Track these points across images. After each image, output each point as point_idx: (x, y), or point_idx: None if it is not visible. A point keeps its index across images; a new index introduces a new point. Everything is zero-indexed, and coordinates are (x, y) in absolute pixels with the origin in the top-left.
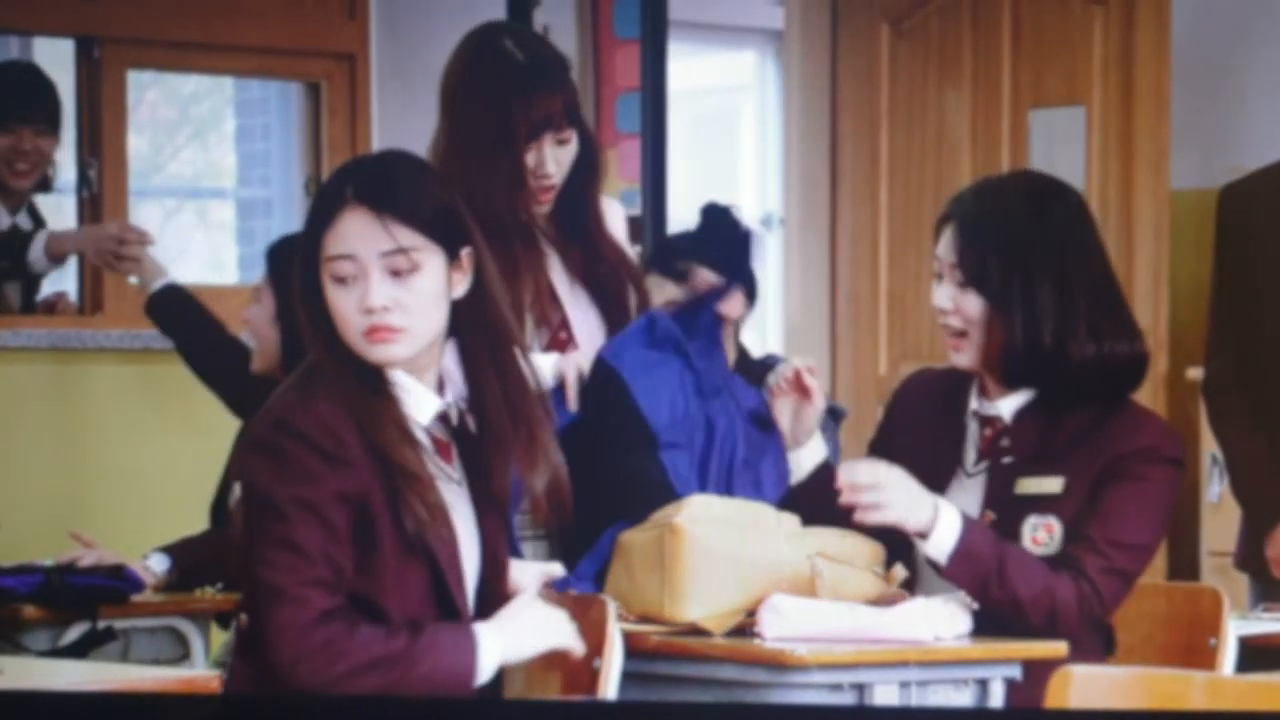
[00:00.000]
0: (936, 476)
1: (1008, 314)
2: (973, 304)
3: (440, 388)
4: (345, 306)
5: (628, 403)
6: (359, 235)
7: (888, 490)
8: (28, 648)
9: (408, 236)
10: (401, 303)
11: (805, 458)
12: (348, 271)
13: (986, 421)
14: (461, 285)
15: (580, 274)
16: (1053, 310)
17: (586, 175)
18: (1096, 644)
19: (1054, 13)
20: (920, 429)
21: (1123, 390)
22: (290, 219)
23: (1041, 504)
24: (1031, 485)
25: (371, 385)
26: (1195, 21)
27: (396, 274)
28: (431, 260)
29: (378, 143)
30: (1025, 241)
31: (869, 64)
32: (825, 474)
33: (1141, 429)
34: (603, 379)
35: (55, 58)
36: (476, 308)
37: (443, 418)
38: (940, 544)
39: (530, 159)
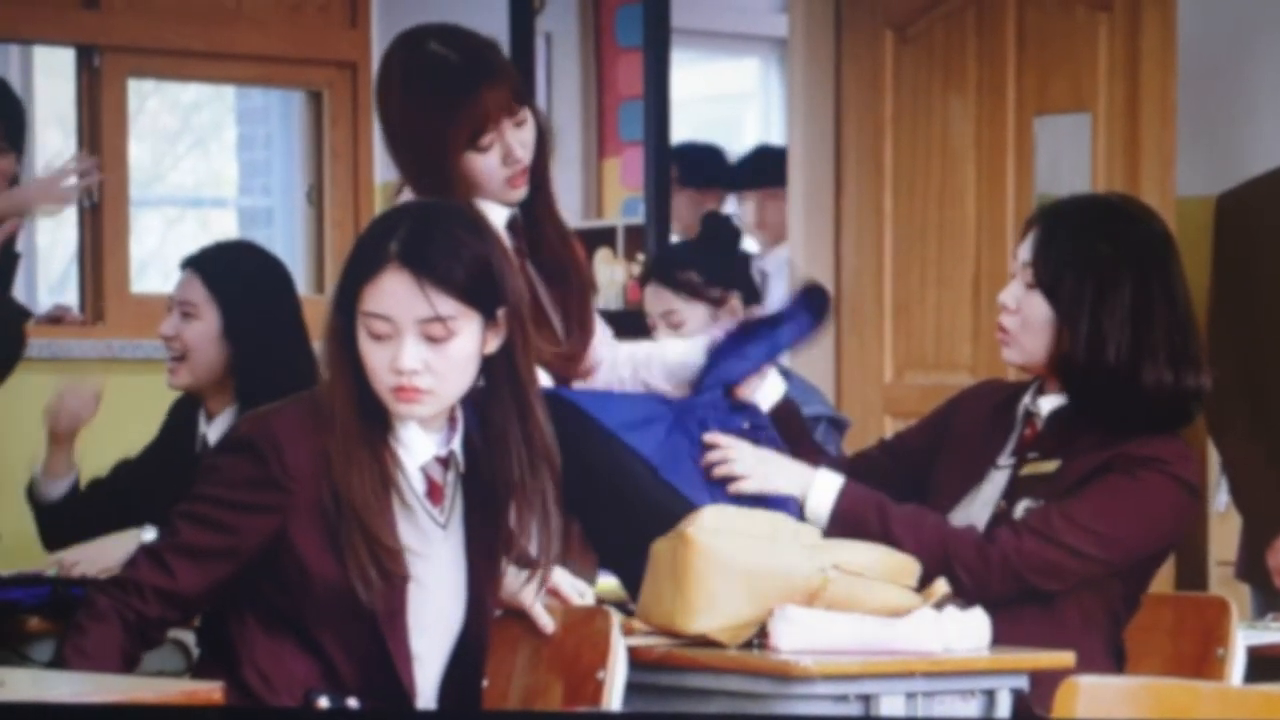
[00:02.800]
0: (971, 471)
1: (1074, 325)
2: (1036, 307)
3: (452, 425)
4: (376, 361)
5: (605, 435)
6: (397, 298)
7: (762, 470)
8: (32, 659)
9: (447, 305)
10: (433, 366)
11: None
12: (382, 330)
13: (1029, 419)
14: (495, 342)
15: (541, 259)
16: (1126, 331)
17: (538, 151)
18: (1106, 659)
19: (1059, 19)
20: (973, 428)
21: (1175, 421)
22: (292, 228)
23: (1036, 486)
24: (1033, 468)
25: (370, 429)
26: (1201, 27)
27: (432, 339)
28: (468, 326)
29: (380, 151)
30: (1104, 256)
31: (873, 71)
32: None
33: (1157, 441)
34: (564, 414)
35: (56, 66)
36: (506, 362)
37: (442, 461)
38: (816, 509)
39: (497, 150)
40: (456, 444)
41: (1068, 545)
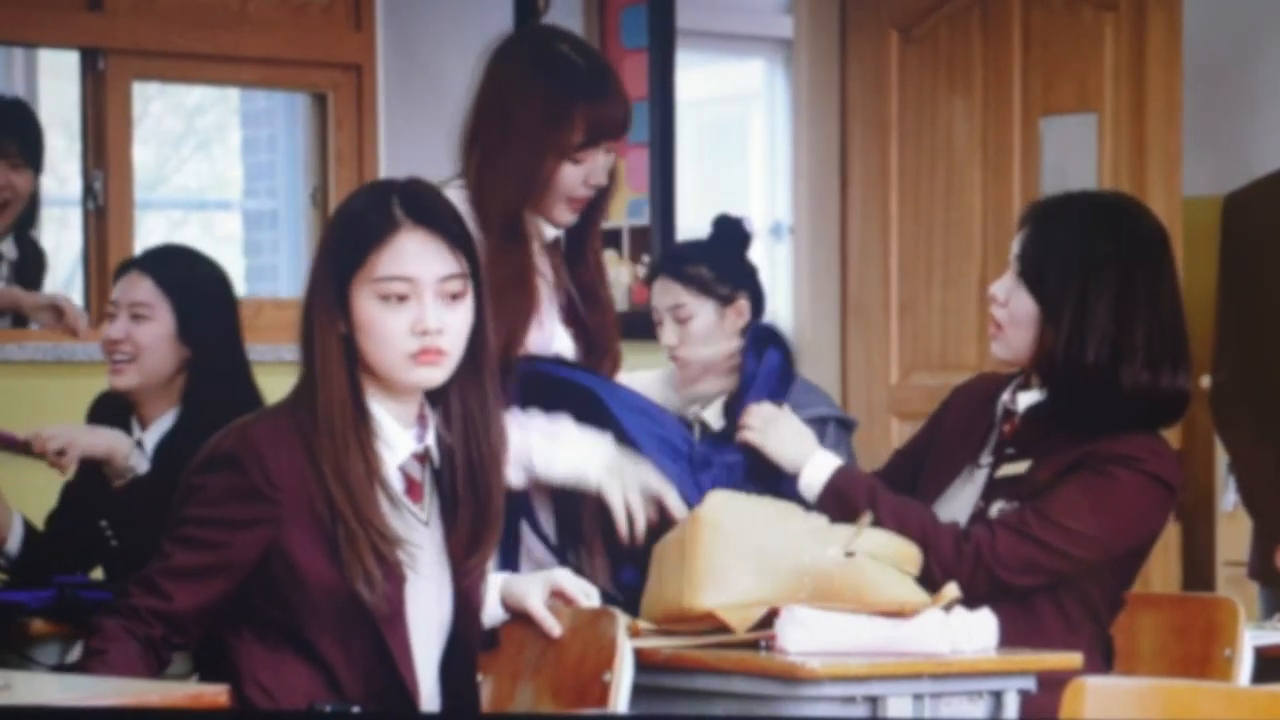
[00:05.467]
0: (952, 468)
1: (1056, 321)
2: (1022, 301)
3: (423, 422)
4: (393, 327)
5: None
6: (419, 257)
7: (768, 430)
8: (37, 661)
9: (463, 261)
10: (450, 327)
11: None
12: (402, 291)
13: (1008, 416)
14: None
15: (569, 297)
16: (1108, 330)
17: (603, 194)
18: (1090, 658)
19: (1064, 19)
20: (958, 425)
21: (1160, 422)
22: (296, 230)
23: (1010, 487)
24: (1006, 469)
25: (358, 419)
26: (1207, 27)
27: (450, 297)
28: (469, 288)
29: (385, 153)
30: (1090, 254)
31: (878, 72)
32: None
33: (1131, 439)
34: (596, 410)
35: (60, 69)
36: (476, 340)
37: (419, 456)
38: (810, 482)
39: (584, 168)
40: (431, 439)
41: (1041, 540)
